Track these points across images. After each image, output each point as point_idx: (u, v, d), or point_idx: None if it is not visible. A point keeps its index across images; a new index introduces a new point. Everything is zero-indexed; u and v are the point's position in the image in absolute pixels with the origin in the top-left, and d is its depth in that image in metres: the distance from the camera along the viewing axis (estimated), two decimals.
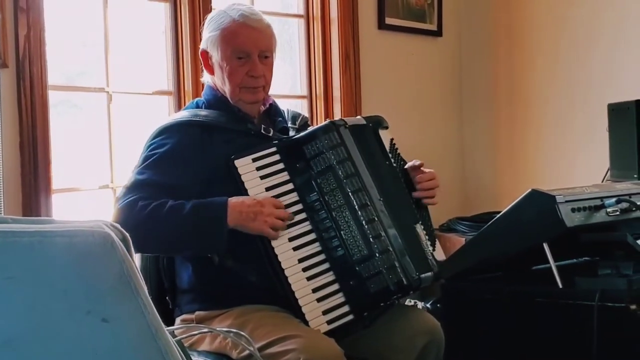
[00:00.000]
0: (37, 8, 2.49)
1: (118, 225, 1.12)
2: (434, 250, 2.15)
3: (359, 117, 2.26)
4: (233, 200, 1.97)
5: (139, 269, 1.09)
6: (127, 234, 1.11)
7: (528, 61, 3.90)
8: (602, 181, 3.39)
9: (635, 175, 3.16)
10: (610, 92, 3.55)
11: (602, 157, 3.42)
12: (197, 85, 2.98)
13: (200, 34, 2.98)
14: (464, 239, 3.44)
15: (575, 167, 3.74)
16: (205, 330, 1.92)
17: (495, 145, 4.05)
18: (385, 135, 2.24)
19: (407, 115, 3.82)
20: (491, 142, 4.06)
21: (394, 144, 2.25)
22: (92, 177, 2.81)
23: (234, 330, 1.56)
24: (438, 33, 3.97)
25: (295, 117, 2.33)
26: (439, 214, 3.71)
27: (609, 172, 3.39)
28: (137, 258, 2.21)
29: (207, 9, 3.02)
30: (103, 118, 2.82)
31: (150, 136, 2.12)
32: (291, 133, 2.24)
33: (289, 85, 3.50)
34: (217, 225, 1.94)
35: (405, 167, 2.25)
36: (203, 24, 2.97)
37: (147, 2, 3.01)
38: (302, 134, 2.14)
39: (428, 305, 3.17)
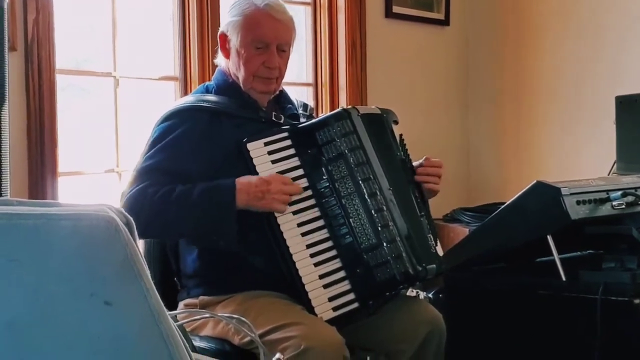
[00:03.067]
0: None
1: (122, 210, 1.12)
2: (436, 245, 2.15)
3: (373, 107, 2.26)
4: (240, 181, 1.97)
5: (142, 254, 1.09)
6: (131, 218, 1.11)
7: (535, 51, 3.88)
8: (609, 174, 3.38)
9: None
10: (618, 84, 3.53)
11: (608, 149, 3.40)
12: (204, 71, 2.98)
13: (207, 20, 2.99)
14: (467, 229, 3.43)
15: (581, 158, 3.73)
16: (207, 315, 1.92)
17: (501, 135, 4.04)
18: (395, 131, 2.24)
19: (412, 104, 3.81)
20: (497, 133, 4.05)
21: (403, 139, 2.25)
22: (98, 161, 2.81)
23: (236, 317, 1.56)
24: (445, 22, 3.96)
25: (305, 105, 2.35)
26: (443, 204, 3.71)
27: (615, 164, 3.38)
28: (140, 241, 2.22)
29: None
30: (110, 103, 2.82)
31: (159, 120, 2.12)
32: (302, 120, 2.24)
33: (294, 73, 3.49)
34: (227, 209, 1.95)
35: (413, 164, 2.25)
36: (210, 9, 2.99)
37: None
38: (314, 120, 2.14)
39: (430, 295, 3.17)
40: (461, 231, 3.45)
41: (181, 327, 1.56)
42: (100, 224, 1.05)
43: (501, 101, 4.03)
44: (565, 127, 3.80)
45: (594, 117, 3.66)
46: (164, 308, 1.10)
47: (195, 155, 2.04)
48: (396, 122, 2.27)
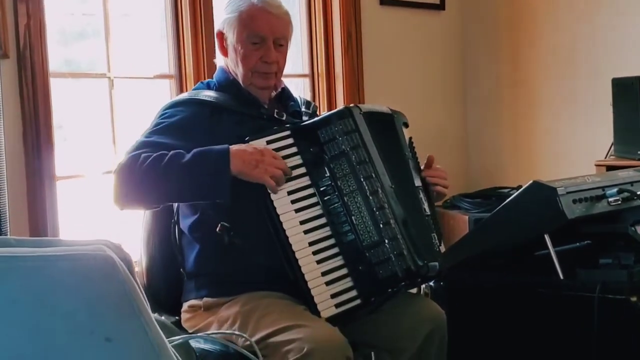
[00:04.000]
0: None
1: (120, 245, 1.14)
2: (440, 244, 2.16)
3: (385, 106, 2.25)
4: (234, 147, 1.97)
5: (141, 288, 1.11)
6: (129, 254, 1.13)
7: (531, 34, 3.87)
8: (606, 156, 3.39)
9: (639, 152, 3.16)
10: (614, 66, 3.53)
11: (606, 131, 3.41)
12: (199, 68, 2.98)
13: (200, 17, 2.98)
14: (467, 216, 3.45)
15: (579, 141, 3.74)
16: (204, 334, 1.94)
17: (499, 120, 4.04)
18: (404, 133, 2.24)
19: (410, 92, 3.81)
20: (494, 118, 4.05)
21: (412, 142, 2.25)
22: (96, 164, 2.81)
23: (235, 333, 1.58)
24: (441, 6, 3.94)
25: (308, 103, 2.34)
26: None
27: (612, 147, 3.39)
28: (143, 245, 2.23)
29: None
30: (105, 104, 2.81)
31: (163, 107, 2.14)
32: (304, 118, 2.24)
33: (290, 65, 3.48)
34: (221, 169, 1.94)
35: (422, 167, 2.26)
36: (203, 7, 2.98)
37: None
38: (316, 118, 2.14)
39: (431, 284, 3.19)
40: (461, 218, 3.47)
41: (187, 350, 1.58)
42: (98, 264, 1.06)
43: (498, 85, 4.02)
44: (563, 110, 3.80)
45: (591, 99, 3.66)
46: (165, 341, 1.12)
47: (193, 142, 2.03)
48: (406, 125, 2.26)
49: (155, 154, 1.94)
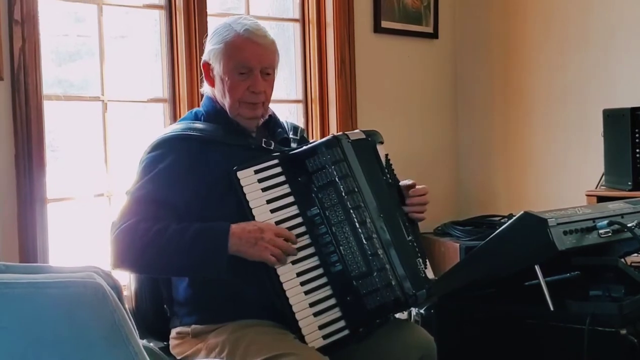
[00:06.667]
0: (32, 20, 2.48)
1: (109, 272, 1.13)
2: (425, 267, 2.16)
3: (357, 130, 2.26)
4: (234, 226, 1.98)
5: (130, 315, 1.10)
6: (119, 282, 1.13)
7: (523, 64, 3.90)
8: (597, 187, 3.40)
9: (630, 183, 3.18)
10: (605, 97, 3.55)
11: (596, 161, 3.43)
12: (193, 93, 2.98)
13: (195, 41, 2.99)
14: (458, 244, 3.45)
15: (570, 170, 3.75)
16: None
17: (490, 148, 4.05)
18: (380, 151, 2.24)
19: (402, 118, 3.82)
20: (486, 145, 4.06)
21: (389, 159, 2.26)
22: (88, 186, 2.80)
23: None
24: (434, 35, 3.97)
25: (295, 128, 2.34)
26: (434, 218, 3.72)
27: (603, 177, 3.40)
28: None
29: (203, 15, 3.02)
30: (98, 127, 2.81)
31: (147, 149, 2.12)
32: (292, 145, 2.24)
33: (284, 90, 3.50)
34: (219, 253, 1.96)
35: (400, 184, 2.26)
36: (198, 31, 2.99)
37: (142, 9, 3.00)
38: (305, 147, 2.14)
39: (422, 311, 3.18)
40: (452, 246, 3.47)
41: None
42: (87, 291, 1.06)
43: (490, 113, 4.04)
44: (554, 138, 3.81)
45: (582, 129, 3.68)
46: None
47: (183, 185, 2.04)
48: (381, 143, 2.27)
49: (154, 229, 1.95)
